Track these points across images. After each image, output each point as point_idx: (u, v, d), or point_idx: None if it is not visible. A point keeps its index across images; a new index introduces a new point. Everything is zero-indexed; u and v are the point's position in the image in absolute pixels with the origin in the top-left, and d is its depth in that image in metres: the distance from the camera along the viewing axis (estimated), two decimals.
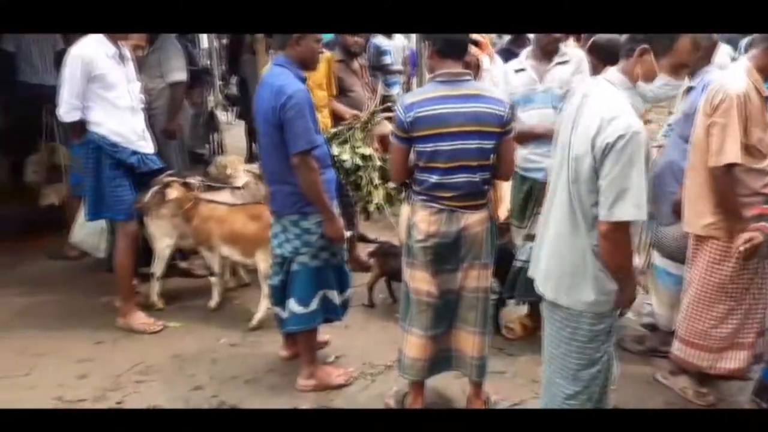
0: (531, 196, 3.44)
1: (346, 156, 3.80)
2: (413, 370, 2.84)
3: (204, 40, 9.93)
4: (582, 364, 2.20)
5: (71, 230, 4.41)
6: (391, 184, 3.80)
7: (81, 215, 4.18)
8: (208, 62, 9.02)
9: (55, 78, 5.34)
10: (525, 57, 3.44)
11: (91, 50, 3.47)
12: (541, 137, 3.27)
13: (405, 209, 4.15)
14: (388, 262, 3.98)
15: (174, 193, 3.82)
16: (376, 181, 3.84)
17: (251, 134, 8.42)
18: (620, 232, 2.00)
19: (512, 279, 3.51)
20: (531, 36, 3.74)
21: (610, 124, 1.94)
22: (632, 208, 1.94)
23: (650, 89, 2.06)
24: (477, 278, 2.74)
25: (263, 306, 3.80)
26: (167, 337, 3.78)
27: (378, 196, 3.85)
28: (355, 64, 5.14)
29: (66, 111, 3.52)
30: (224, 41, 8.75)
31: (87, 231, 4.20)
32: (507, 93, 3.27)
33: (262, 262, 3.72)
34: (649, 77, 2.05)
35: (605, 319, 2.16)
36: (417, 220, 2.69)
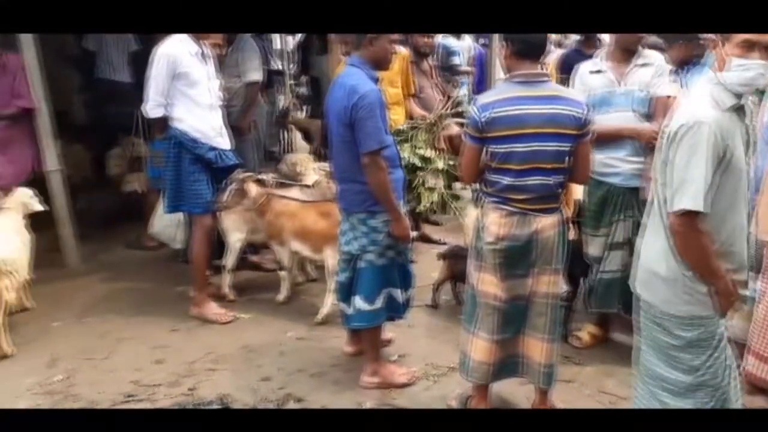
0: (607, 201, 3.34)
1: (404, 155, 3.82)
2: (478, 373, 2.83)
3: (276, 40, 10.18)
4: (682, 370, 2.12)
5: (150, 221, 4.62)
6: (448, 189, 3.81)
7: (160, 207, 4.38)
8: (280, 62, 9.23)
9: (129, 75, 5.70)
10: (601, 58, 3.36)
11: (176, 49, 3.61)
12: (626, 138, 3.20)
13: (472, 212, 4.14)
14: (458, 265, 3.97)
15: (253, 190, 3.94)
16: (430, 184, 3.84)
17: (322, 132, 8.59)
18: (686, 225, 1.95)
19: (590, 288, 3.45)
20: (606, 36, 3.66)
21: (677, 114, 1.94)
22: (689, 198, 1.90)
23: (728, 76, 2.00)
24: (548, 284, 2.69)
25: (329, 301, 3.87)
26: (237, 328, 3.89)
27: (427, 199, 3.84)
28: (425, 65, 5.17)
29: (151, 107, 3.69)
30: (296, 41, 8.93)
31: (165, 223, 4.39)
32: (584, 94, 3.20)
33: (330, 258, 3.78)
34: (722, 67, 2.02)
35: (702, 325, 2.07)
36: (487, 223, 2.66)
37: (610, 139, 3.22)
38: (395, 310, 3.22)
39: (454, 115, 4.02)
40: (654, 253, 2.11)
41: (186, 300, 4.14)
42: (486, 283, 2.72)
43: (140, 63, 6.00)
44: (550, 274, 2.69)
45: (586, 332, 3.66)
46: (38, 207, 3.97)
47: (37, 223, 4.05)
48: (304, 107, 8.93)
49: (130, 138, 5.28)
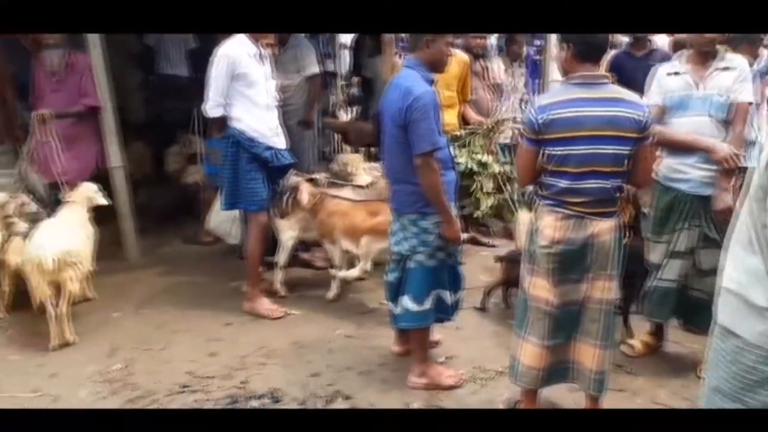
0: (673, 208, 3.23)
1: (461, 160, 3.81)
2: (527, 378, 2.80)
3: (328, 41, 10.33)
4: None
5: (207, 217, 4.75)
6: (504, 195, 3.78)
7: (217, 203, 4.51)
8: (332, 63, 9.34)
9: (185, 70, 5.88)
10: (680, 60, 3.25)
11: (236, 50, 3.70)
12: (701, 151, 3.09)
13: (524, 215, 4.12)
14: (515, 270, 3.95)
15: (305, 194, 4.01)
16: (488, 188, 3.82)
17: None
18: None
19: (647, 295, 3.37)
20: (657, 38, 3.56)
21: None
22: None
23: None
24: (602, 290, 2.64)
25: (354, 273, 4.04)
26: (288, 324, 3.96)
27: (485, 204, 3.83)
28: (478, 66, 5.15)
29: (210, 107, 3.79)
30: (348, 43, 9.02)
31: (221, 218, 4.51)
32: (660, 96, 3.14)
33: (365, 243, 3.89)
34: None
35: None
36: (542, 226, 2.63)
37: (682, 148, 3.13)
38: (444, 312, 3.22)
39: (513, 120, 4.02)
40: (744, 273, 1.94)
41: (239, 295, 4.23)
42: (538, 287, 2.69)
43: (197, 59, 6.25)
44: (605, 280, 2.64)
45: (639, 341, 3.58)
46: (102, 201, 4.15)
47: (100, 217, 4.22)
48: (350, 109, 9.06)
49: (188, 135, 5.45)
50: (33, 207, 4.09)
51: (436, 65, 2.99)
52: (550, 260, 2.62)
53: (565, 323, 2.71)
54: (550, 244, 2.60)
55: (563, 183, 2.55)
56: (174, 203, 5.90)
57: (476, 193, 3.93)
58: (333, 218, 4.03)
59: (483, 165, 3.85)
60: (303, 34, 4.83)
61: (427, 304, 3.10)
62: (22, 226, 3.87)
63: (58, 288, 3.54)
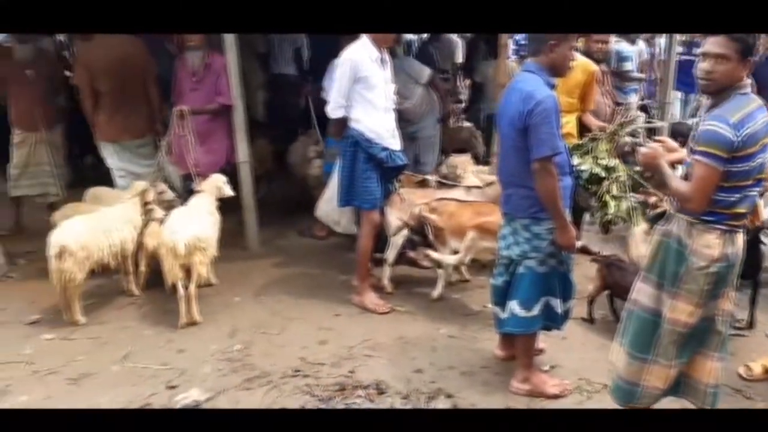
0: None
1: (585, 167, 3.75)
2: (648, 399, 2.68)
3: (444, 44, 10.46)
4: None
5: (317, 205, 4.96)
6: (635, 198, 3.67)
7: (327, 192, 4.70)
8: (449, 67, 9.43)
9: (293, 69, 6.16)
10: None
11: (359, 54, 3.86)
12: None
13: (639, 229, 3.98)
14: (612, 275, 3.85)
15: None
16: (615, 192, 3.73)
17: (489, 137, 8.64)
18: None
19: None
20: None
21: None
22: None
23: None
24: (730, 300, 2.55)
25: (451, 259, 4.07)
26: (394, 319, 4.07)
27: (615, 208, 3.73)
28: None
29: (332, 108, 3.98)
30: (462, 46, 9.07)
31: (331, 207, 4.67)
32: None
33: (470, 237, 3.94)
34: None
35: None
36: (698, 246, 2.47)
37: None
38: (553, 320, 3.20)
39: (630, 122, 3.90)
40: None
41: (348, 288, 4.40)
42: (678, 310, 2.54)
43: (314, 60, 6.54)
44: (732, 290, 2.55)
45: (759, 363, 3.37)
46: (229, 192, 4.48)
47: (223, 207, 4.50)
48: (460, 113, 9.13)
49: (311, 131, 5.73)
50: (169, 195, 4.51)
51: (558, 70, 2.97)
52: (706, 281, 2.48)
53: (693, 339, 2.60)
54: (709, 264, 2.46)
55: (734, 197, 2.41)
56: (291, 198, 6.22)
57: (604, 197, 3.86)
58: (441, 219, 4.11)
59: (609, 169, 3.77)
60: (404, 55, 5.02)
61: (535, 311, 3.09)
62: (159, 212, 4.27)
63: (188, 271, 3.87)
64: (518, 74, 3.08)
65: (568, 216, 2.99)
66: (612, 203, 3.73)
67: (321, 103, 5.17)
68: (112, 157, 4.92)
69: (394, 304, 4.24)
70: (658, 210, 2.82)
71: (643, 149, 2.64)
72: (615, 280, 3.82)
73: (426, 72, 5.05)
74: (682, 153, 2.67)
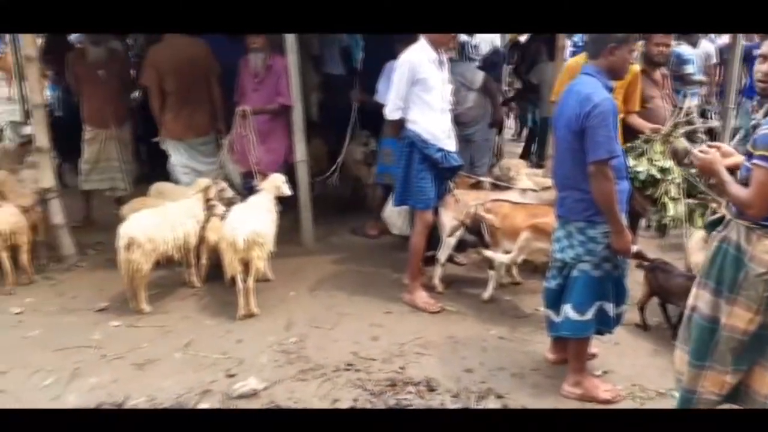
0: None
1: (641, 168, 3.71)
2: (704, 405, 2.63)
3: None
4: None
5: (384, 207, 5.04)
6: (692, 200, 3.61)
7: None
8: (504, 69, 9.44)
9: (339, 68, 6.24)
10: None
11: (418, 56, 3.92)
12: None
13: (697, 236, 3.91)
14: (657, 280, 3.81)
15: (492, 216, 4.14)
16: (674, 194, 3.67)
17: (530, 139, 8.61)
18: None
19: None
20: None
21: None
22: None
23: None
24: None
25: (504, 258, 4.09)
26: (444, 319, 4.11)
27: (674, 210, 3.68)
28: (657, 74, 4.93)
29: (390, 110, 4.05)
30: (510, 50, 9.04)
31: (393, 210, 4.77)
32: None
33: (523, 237, 3.96)
34: None
35: None
36: (758, 252, 2.41)
37: None
38: (605, 324, 3.18)
39: (687, 123, 3.84)
40: None
41: (400, 286, 4.48)
42: (736, 317, 2.50)
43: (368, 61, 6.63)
44: None
45: None
46: (287, 192, 4.61)
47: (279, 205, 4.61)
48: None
49: (366, 132, 5.83)
50: (230, 192, 4.68)
51: (617, 73, 2.98)
52: (765, 288, 2.41)
53: (752, 349, 2.54)
54: None
55: None
56: (345, 198, 6.34)
57: (662, 199, 3.81)
58: (495, 220, 4.13)
59: (664, 171, 3.72)
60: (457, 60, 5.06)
61: (589, 315, 3.08)
62: (220, 208, 4.44)
63: (246, 265, 4.01)
64: (577, 77, 3.09)
65: (624, 220, 2.97)
66: (671, 205, 3.67)
67: (370, 106, 5.30)
68: (176, 154, 5.14)
69: (444, 303, 4.28)
70: (716, 216, 2.76)
71: (699, 154, 2.60)
72: (660, 284, 3.79)
73: (479, 77, 5.08)
74: (739, 158, 2.63)
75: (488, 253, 4.17)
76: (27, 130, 6.42)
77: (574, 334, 3.16)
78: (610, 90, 2.93)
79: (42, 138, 4.76)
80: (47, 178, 4.81)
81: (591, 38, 3.05)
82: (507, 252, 4.17)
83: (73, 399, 3.22)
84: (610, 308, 3.14)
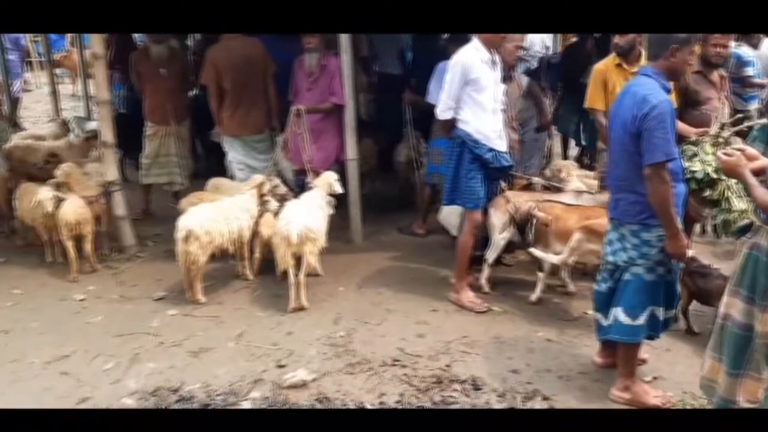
0: None
1: (696, 167, 3.64)
2: None
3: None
4: None
5: (441, 208, 5.05)
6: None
7: None
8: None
9: (396, 68, 6.27)
10: None
11: (471, 57, 3.94)
12: None
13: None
14: (695, 283, 3.73)
15: (541, 213, 4.13)
16: (735, 190, 3.59)
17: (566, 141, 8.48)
18: None
19: None
20: None
21: None
22: None
23: None
24: None
25: (554, 258, 4.08)
26: (489, 319, 4.12)
27: (739, 204, 3.59)
28: (714, 75, 4.83)
29: (442, 110, 4.08)
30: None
31: (449, 210, 4.79)
32: None
33: (576, 238, 3.93)
34: None
35: None
36: None
37: None
38: (653, 329, 3.14)
39: (735, 123, 3.74)
40: None
41: (446, 285, 4.51)
42: None
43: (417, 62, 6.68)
44: None
45: None
46: (339, 189, 4.71)
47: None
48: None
49: (416, 133, 5.89)
50: (283, 189, 4.82)
51: (677, 74, 2.97)
52: None
53: None
54: None
55: None
56: (392, 196, 6.40)
57: (725, 195, 3.72)
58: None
59: (719, 171, 3.63)
60: None
61: (641, 320, 3.05)
62: (273, 204, 4.57)
63: (298, 259, 4.12)
64: (634, 78, 3.06)
65: (679, 224, 2.93)
66: (736, 200, 3.57)
67: (421, 106, 5.35)
68: (232, 150, 5.31)
69: (490, 304, 4.28)
70: (744, 222, 2.71)
71: (723, 157, 2.57)
72: (699, 287, 3.73)
73: (523, 82, 5.03)
74: (765, 161, 2.57)
75: (538, 252, 4.15)
76: (91, 125, 6.74)
77: (624, 339, 3.13)
78: (668, 91, 2.90)
79: (107, 133, 5.00)
80: (111, 172, 5.05)
81: (652, 40, 3.02)
82: (557, 254, 4.14)
83: (132, 383, 3.38)
84: (660, 313, 3.10)
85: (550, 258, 4.13)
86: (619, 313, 3.08)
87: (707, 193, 3.72)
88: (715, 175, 3.66)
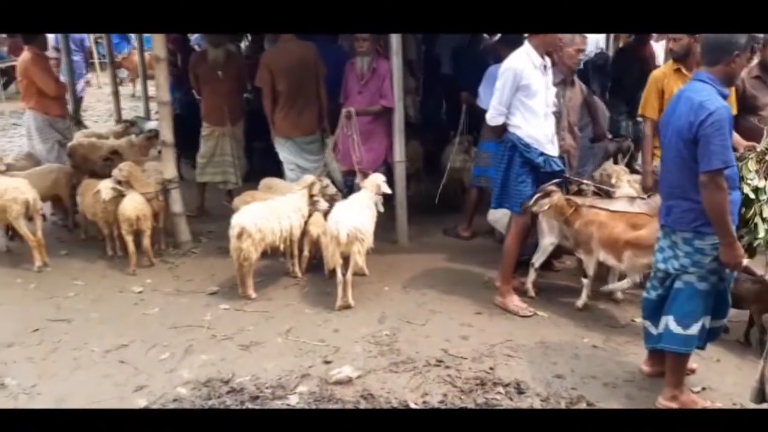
0: None
1: None
2: None
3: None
4: None
5: (489, 210, 5.09)
6: None
7: None
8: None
9: (449, 69, 6.32)
10: None
11: (523, 62, 3.95)
12: None
13: None
14: (762, 296, 3.66)
15: (553, 201, 4.09)
16: (766, 214, 3.50)
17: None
18: None
19: None
20: None
21: None
22: None
23: None
24: None
25: (621, 285, 4.12)
26: (534, 323, 4.12)
27: (764, 232, 3.50)
28: None
29: (492, 116, 4.08)
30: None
31: (500, 213, 4.82)
32: None
33: (628, 258, 3.91)
34: None
35: None
36: None
37: None
38: (701, 339, 3.10)
39: None
40: None
41: (490, 289, 4.53)
42: None
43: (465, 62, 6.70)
44: None
45: None
46: (387, 190, 4.78)
47: None
48: None
49: (465, 137, 5.92)
50: (332, 189, 4.92)
51: (733, 80, 2.93)
52: None
53: None
54: None
55: None
56: (443, 197, 6.44)
57: (754, 220, 3.63)
58: (590, 228, 4.07)
59: (758, 191, 3.54)
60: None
61: (693, 329, 3.01)
62: (323, 204, 4.68)
63: (346, 258, 4.21)
64: (687, 83, 3.03)
65: (734, 232, 2.89)
66: (762, 226, 3.49)
67: (474, 110, 5.38)
68: (284, 151, 5.45)
69: (535, 309, 4.28)
70: None
71: None
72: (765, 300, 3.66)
73: (582, 86, 4.98)
74: None
75: (611, 286, 4.09)
76: (150, 125, 7.01)
77: (675, 348, 3.09)
78: (725, 97, 2.85)
79: (167, 133, 5.21)
80: (170, 170, 5.25)
81: (711, 46, 2.95)
82: (602, 261, 4.12)
83: (186, 373, 3.53)
84: (707, 322, 3.06)
85: (622, 285, 4.08)
86: (670, 322, 3.05)
87: (742, 211, 3.63)
88: (752, 195, 3.57)
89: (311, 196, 4.69)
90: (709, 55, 2.96)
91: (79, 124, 7.23)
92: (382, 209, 4.75)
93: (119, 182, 4.92)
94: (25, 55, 6.05)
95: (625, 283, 4.09)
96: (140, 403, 3.26)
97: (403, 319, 4.16)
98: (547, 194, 4.06)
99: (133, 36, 12.38)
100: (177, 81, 7.17)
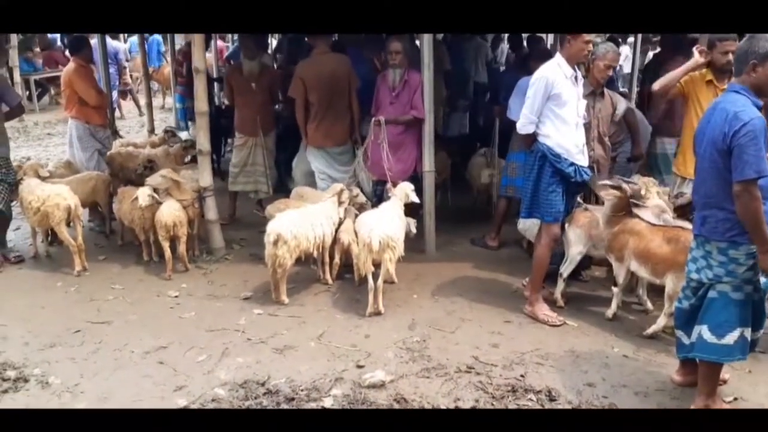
0: None
1: None
2: None
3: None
4: None
5: (519, 218, 5.15)
6: None
7: None
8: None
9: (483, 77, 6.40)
10: None
11: (554, 72, 4.01)
12: None
13: None
14: None
15: (618, 195, 4.10)
16: None
17: None
18: None
19: None
20: None
21: None
22: None
23: None
24: None
25: (662, 322, 3.94)
26: (564, 332, 4.14)
27: None
28: None
29: (523, 125, 4.15)
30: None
31: (531, 221, 4.85)
32: None
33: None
34: None
35: None
36: None
37: None
38: (743, 351, 3.08)
39: None
40: None
41: (518, 297, 4.58)
42: None
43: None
44: None
45: None
46: (416, 199, 4.86)
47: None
48: None
49: (490, 149, 5.99)
50: (362, 198, 5.01)
51: (763, 89, 2.93)
52: None
53: None
54: None
55: None
56: (464, 208, 6.50)
57: None
58: (625, 236, 4.07)
59: None
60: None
61: (729, 339, 3.01)
62: (353, 212, 4.77)
63: (377, 266, 4.29)
64: (723, 94, 3.07)
65: None
66: None
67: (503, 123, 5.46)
68: (316, 160, 5.56)
69: (564, 317, 4.30)
70: None
71: None
72: None
73: (622, 105, 4.98)
74: None
75: (652, 329, 4.03)
76: (183, 135, 7.20)
77: (709, 358, 3.09)
78: (759, 108, 2.89)
79: (204, 141, 5.35)
80: (205, 178, 5.39)
81: (736, 56, 3.02)
82: (633, 271, 4.13)
83: (223, 375, 3.62)
84: (748, 333, 3.06)
85: (659, 325, 4.00)
86: (704, 331, 3.07)
87: None
88: None
89: (341, 204, 4.78)
90: (735, 65, 3.03)
91: (115, 133, 7.43)
92: (414, 231, 4.83)
93: (155, 190, 5.06)
94: (70, 65, 6.27)
95: (662, 320, 3.99)
96: (180, 402, 3.36)
97: (433, 326, 4.21)
98: (619, 188, 4.10)
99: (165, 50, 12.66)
100: (188, 91, 7.32)
